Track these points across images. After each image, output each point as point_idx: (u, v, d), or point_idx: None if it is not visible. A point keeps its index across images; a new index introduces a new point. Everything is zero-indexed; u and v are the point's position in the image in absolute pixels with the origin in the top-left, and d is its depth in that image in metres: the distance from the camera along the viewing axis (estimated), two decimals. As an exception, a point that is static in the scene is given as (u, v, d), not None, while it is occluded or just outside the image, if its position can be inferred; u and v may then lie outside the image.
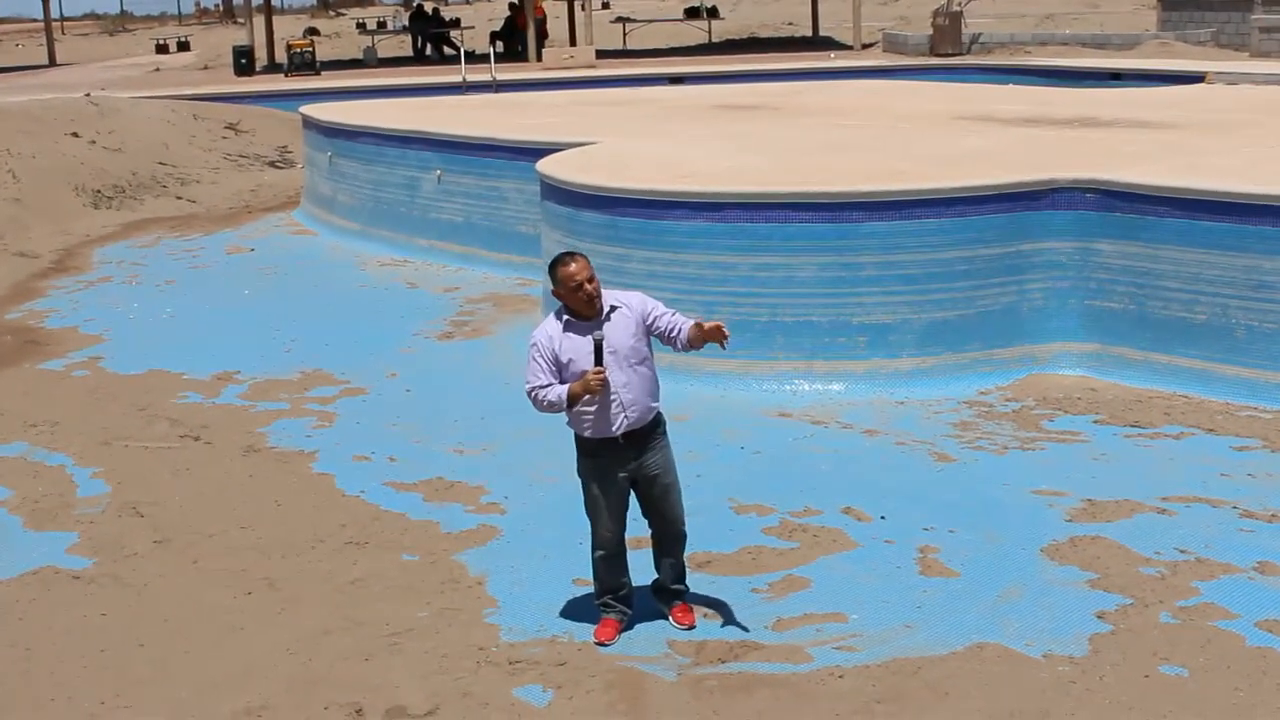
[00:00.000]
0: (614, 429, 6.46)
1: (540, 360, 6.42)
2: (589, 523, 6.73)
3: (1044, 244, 10.70)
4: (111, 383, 11.44)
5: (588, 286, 6.34)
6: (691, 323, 6.46)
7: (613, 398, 6.40)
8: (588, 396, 6.34)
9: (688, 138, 14.74)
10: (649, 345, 6.53)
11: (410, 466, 9.16)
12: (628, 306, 6.46)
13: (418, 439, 9.72)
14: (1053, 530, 7.79)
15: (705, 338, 6.36)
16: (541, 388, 6.40)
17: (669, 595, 6.87)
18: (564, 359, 6.39)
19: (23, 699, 6.35)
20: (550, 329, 6.47)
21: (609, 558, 6.71)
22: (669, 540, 6.79)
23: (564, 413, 6.48)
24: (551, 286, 6.50)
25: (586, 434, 6.54)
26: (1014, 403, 10.09)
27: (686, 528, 6.81)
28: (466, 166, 15.74)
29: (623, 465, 6.54)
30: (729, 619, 6.81)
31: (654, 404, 6.56)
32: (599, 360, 6.30)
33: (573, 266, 6.35)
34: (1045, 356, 10.72)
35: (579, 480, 6.71)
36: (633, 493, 6.67)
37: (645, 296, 6.58)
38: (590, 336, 6.32)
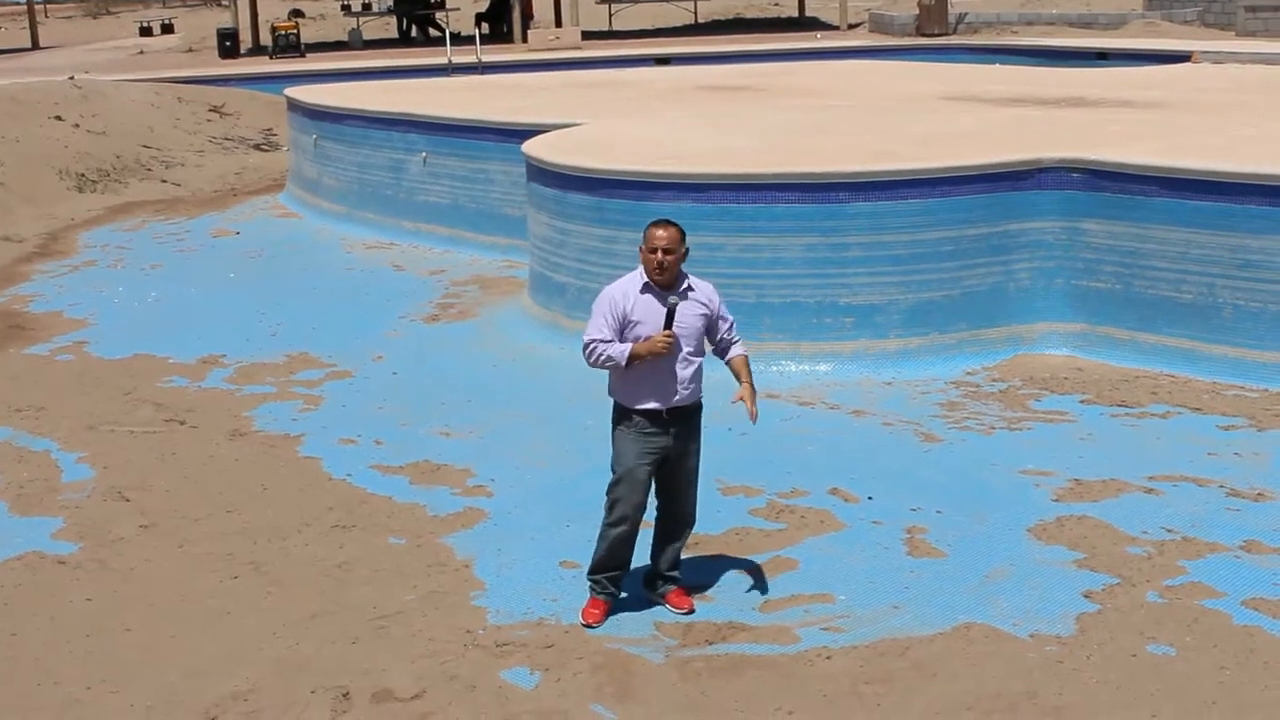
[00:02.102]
0: (662, 402, 6.47)
1: (608, 315, 6.45)
2: (611, 497, 6.60)
3: (1030, 224, 10.69)
4: (97, 367, 11.40)
5: (662, 255, 6.39)
6: (741, 356, 6.69)
7: (668, 371, 6.44)
8: (642, 364, 6.37)
9: (674, 119, 14.71)
10: (705, 336, 6.64)
11: (397, 449, 9.14)
12: (703, 293, 6.56)
13: (404, 422, 9.70)
14: (1040, 510, 7.79)
15: (739, 395, 6.63)
16: (603, 342, 6.42)
17: (663, 581, 6.83)
18: (634, 318, 6.43)
19: (9, 684, 6.32)
20: (626, 287, 6.51)
21: (629, 536, 6.63)
22: (678, 525, 6.77)
23: (615, 370, 6.48)
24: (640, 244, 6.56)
25: (633, 404, 6.51)
26: (1001, 383, 10.09)
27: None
28: (452, 149, 15.69)
29: (662, 440, 6.52)
30: (717, 600, 6.81)
31: (699, 389, 6.59)
32: (669, 325, 6.36)
33: (661, 231, 6.43)
34: (1032, 336, 10.72)
35: (613, 452, 6.62)
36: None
37: (716, 293, 6.66)
38: (666, 301, 6.40)
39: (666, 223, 6.50)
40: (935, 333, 10.52)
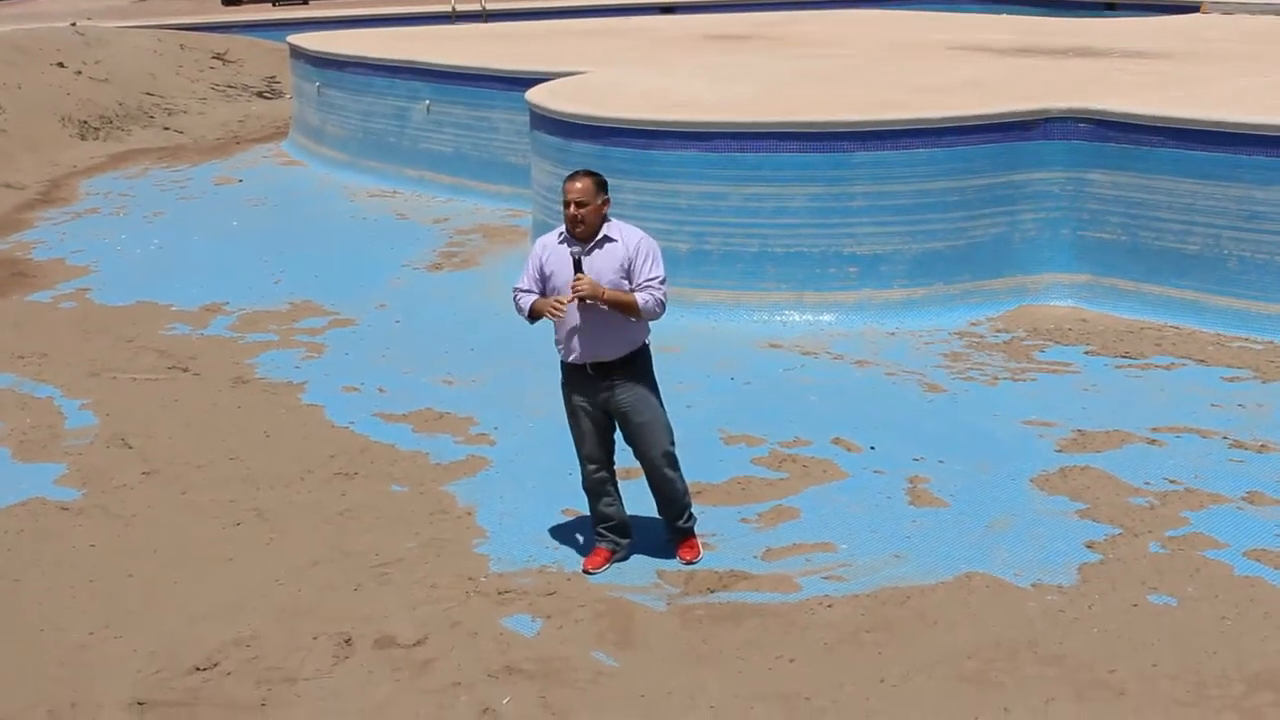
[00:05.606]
0: (576, 356, 6.45)
1: (530, 267, 6.48)
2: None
3: (1036, 174, 10.64)
4: (99, 314, 11.39)
5: (574, 209, 6.30)
6: (639, 294, 6.33)
7: (579, 326, 6.37)
8: (558, 319, 6.33)
9: (679, 67, 14.61)
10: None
11: (399, 397, 9.14)
12: (624, 243, 6.39)
13: (407, 370, 9.69)
14: (1043, 461, 7.79)
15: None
16: (522, 292, 6.49)
17: (672, 532, 6.81)
18: (548, 271, 6.41)
19: (11, 630, 6.35)
20: (548, 239, 6.51)
21: (594, 485, 6.68)
22: (652, 479, 6.70)
23: (529, 322, 6.52)
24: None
25: (562, 358, 6.56)
26: (1005, 333, 10.07)
27: (674, 469, 6.67)
28: (456, 97, 15.61)
29: (592, 394, 6.50)
30: (718, 549, 6.81)
31: (626, 344, 6.43)
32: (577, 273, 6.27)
33: (573, 184, 6.34)
34: (1036, 287, 10.69)
35: None
36: None
37: (645, 243, 6.42)
38: (570, 253, 6.30)
39: (582, 174, 6.41)
40: (940, 283, 10.49)
